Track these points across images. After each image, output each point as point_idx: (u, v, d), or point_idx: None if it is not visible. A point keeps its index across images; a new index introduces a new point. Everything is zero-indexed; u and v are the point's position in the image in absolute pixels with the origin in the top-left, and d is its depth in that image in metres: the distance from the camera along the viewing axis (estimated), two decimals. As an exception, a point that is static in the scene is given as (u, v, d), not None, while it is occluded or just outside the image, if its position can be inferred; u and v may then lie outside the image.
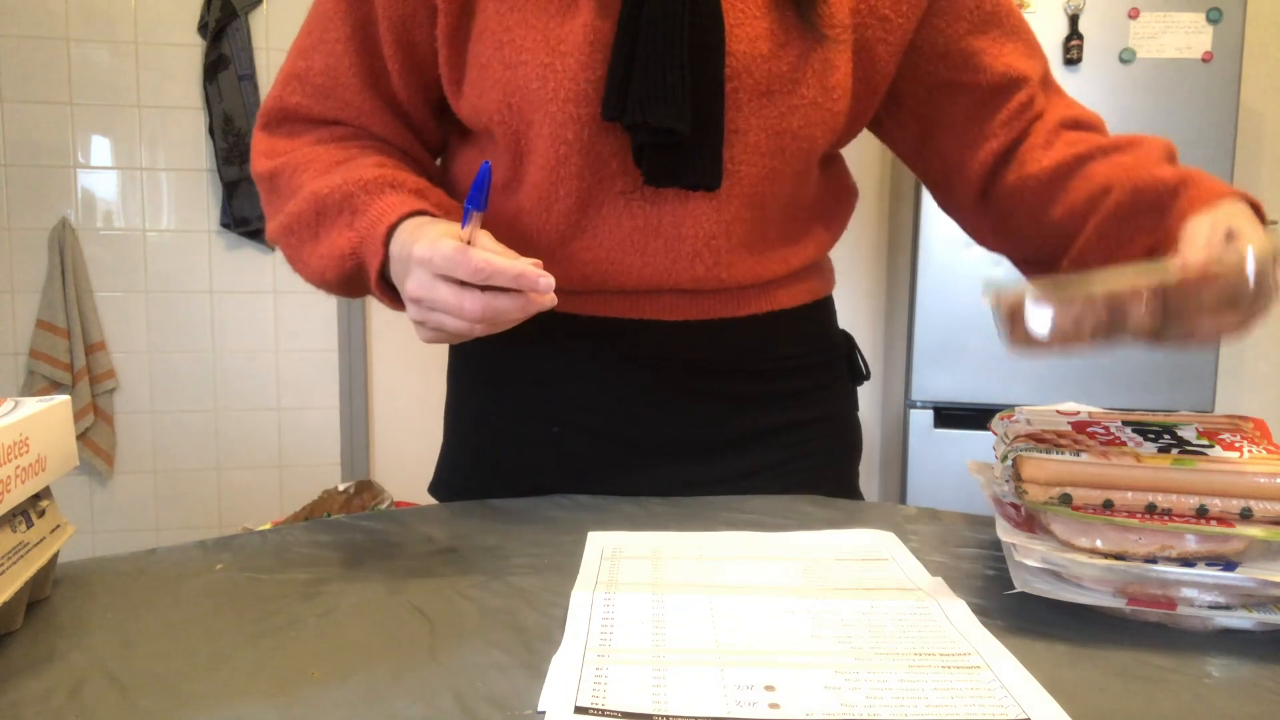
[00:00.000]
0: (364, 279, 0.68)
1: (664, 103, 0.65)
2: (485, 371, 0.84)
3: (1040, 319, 0.50)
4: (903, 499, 2.28)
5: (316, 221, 0.69)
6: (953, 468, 2.25)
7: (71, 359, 2.48)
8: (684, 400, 0.78)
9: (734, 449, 0.79)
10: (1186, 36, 2.12)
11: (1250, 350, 2.66)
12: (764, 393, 0.80)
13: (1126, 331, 0.51)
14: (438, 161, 0.84)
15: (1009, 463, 0.54)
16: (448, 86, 0.74)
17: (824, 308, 0.86)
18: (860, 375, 0.89)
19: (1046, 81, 0.79)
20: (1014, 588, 0.51)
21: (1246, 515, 0.48)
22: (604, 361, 0.77)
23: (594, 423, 0.78)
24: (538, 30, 0.68)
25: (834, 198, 0.84)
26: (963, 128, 0.78)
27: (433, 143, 0.81)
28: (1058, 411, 0.63)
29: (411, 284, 0.58)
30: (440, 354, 2.90)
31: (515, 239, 0.76)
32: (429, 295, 0.56)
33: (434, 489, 0.88)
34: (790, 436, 0.81)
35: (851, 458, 0.88)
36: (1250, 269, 0.49)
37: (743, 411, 0.79)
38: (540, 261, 0.56)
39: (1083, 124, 0.77)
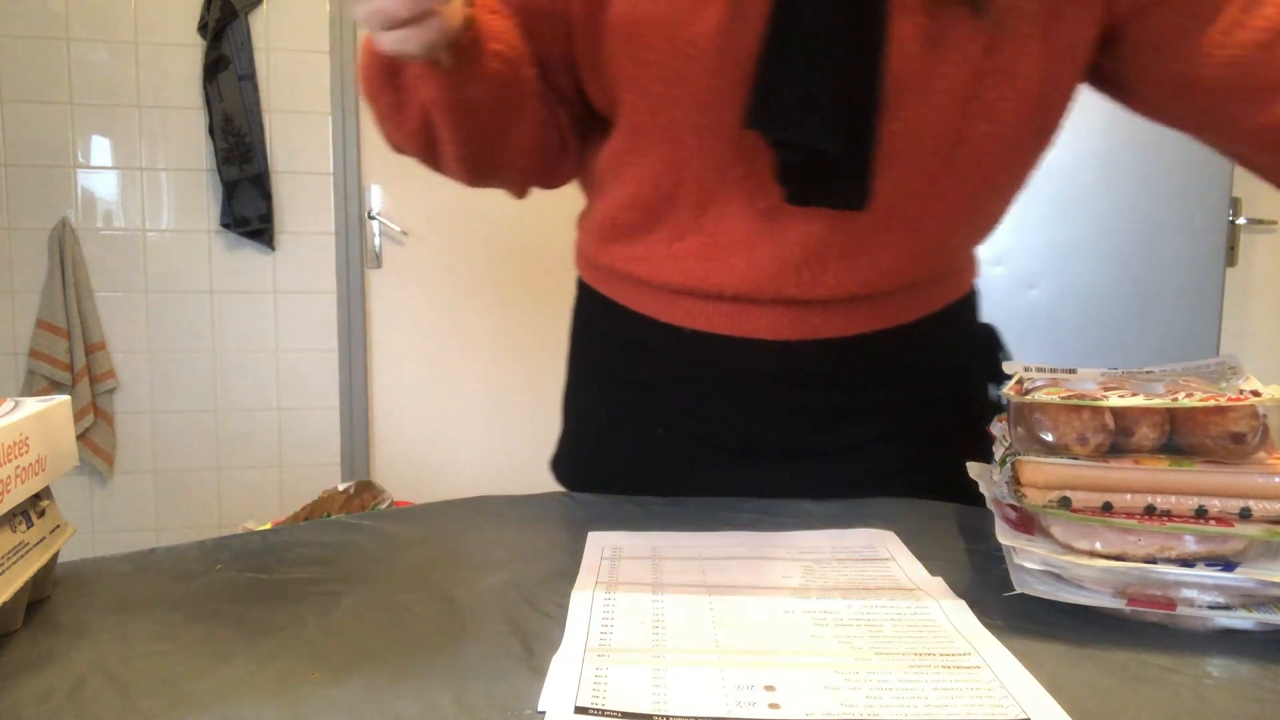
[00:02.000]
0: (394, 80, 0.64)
1: (815, 116, 0.59)
2: (599, 368, 0.84)
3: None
4: (903, 499, 2.28)
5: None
6: (953, 468, 2.24)
7: (71, 359, 2.48)
8: (784, 413, 0.76)
9: (840, 456, 0.76)
10: (1186, 37, 2.11)
11: (1251, 332, 2.66)
12: (874, 403, 0.76)
13: None
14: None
15: (1008, 465, 0.54)
16: (582, 63, 0.70)
17: (955, 313, 0.78)
18: (1001, 376, 0.84)
19: None
20: (1014, 588, 0.51)
21: (1245, 515, 0.48)
22: (704, 373, 0.77)
23: (694, 428, 0.78)
24: (666, 28, 0.64)
25: (996, 216, 0.75)
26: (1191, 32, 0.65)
27: (573, 104, 0.74)
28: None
29: None
30: (438, 354, 2.90)
31: (637, 223, 0.74)
32: None
33: (554, 466, 0.89)
34: (903, 445, 0.76)
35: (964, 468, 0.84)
36: None
37: (848, 422, 0.76)
38: None
39: None
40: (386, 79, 0.65)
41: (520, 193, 0.78)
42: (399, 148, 0.73)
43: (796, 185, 0.64)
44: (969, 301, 0.82)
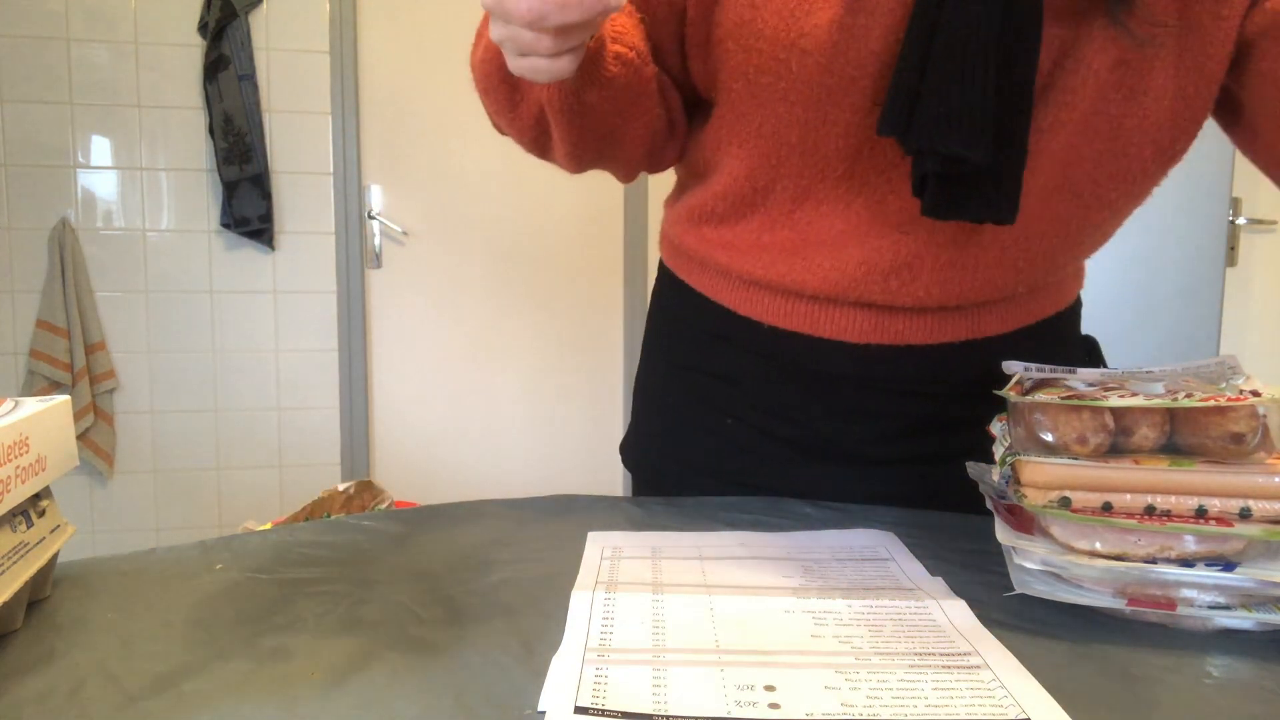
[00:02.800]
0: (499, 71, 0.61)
1: (960, 125, 0.56)
2: (675, 355, 0.84)
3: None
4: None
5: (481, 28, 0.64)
6: (953, 468, 2.24)
7: (71, 359, 2.48)
8: (860, 418, 0.74)
9: (914, 466, 0.75)
10: (1186, 37, 2.11)
11: (1251, 332, 2.66)
12: (956, 418, 0.73)
13: None
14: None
15: (1008, 465, 0.54)
16: (690, 41, 0.67)
17: (1052, 326, 0.75)
18: None
19: None
20: (1014, 588, 0.51)
21: (1245, 515, 0.48)
22: (780, 370, 0.75)
23: (767, 423, 0.77)
24: (780, 17, 0.61)
25: (1108, 233, 0.72)
26: None
27: (680, 81, 0.72)
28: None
29: None
30: (438, 354, 2.89)
31: (727, 212, 0.72)
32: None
33: (624, 449, 0.88)
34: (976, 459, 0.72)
35: None
36: None
37: (927, 434, 0.74)
38: None
39: None
40: (502, 77, 0.63)
41: (627, 179, 0.77)
42: (503, 133, 0.72)
43: (935, 197, 0.59)
44: (1070, 314, 0.78)
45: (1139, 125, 0.63)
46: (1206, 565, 0.48)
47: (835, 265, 0.68)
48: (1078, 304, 0.80)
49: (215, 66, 2.49)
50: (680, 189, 0.81)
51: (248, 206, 2.54)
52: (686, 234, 0.78)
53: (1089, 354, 0.81)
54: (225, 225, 2.56)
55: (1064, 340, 0.78)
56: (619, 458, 0.89)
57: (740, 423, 0.78)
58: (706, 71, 0.68)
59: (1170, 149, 0.65)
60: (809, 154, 0.65)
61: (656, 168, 0.78)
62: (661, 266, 0.86)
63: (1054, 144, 0.62)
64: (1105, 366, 0.76)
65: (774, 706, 0.40)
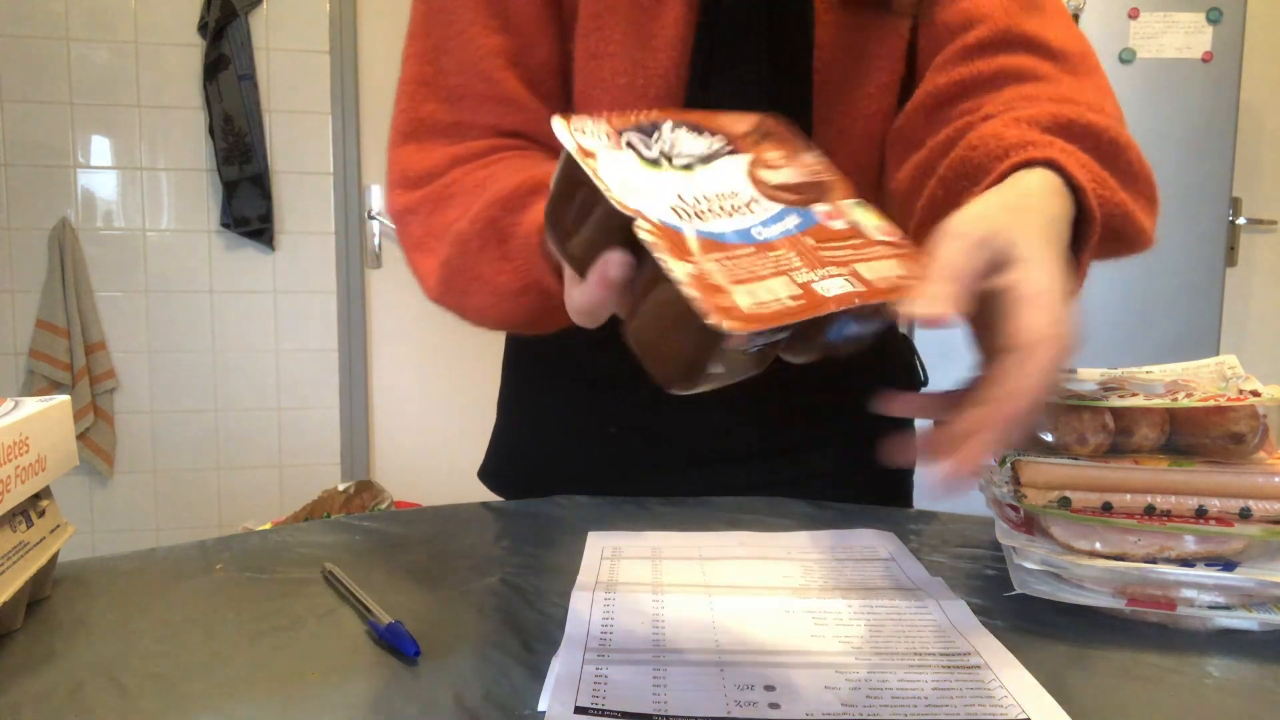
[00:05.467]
0: (553, 307, 0.55)
1: (741, 98, 0.63)
2: (544, 368, 0.83)
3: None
4: (903, 499, 2.28)
5: (463, 263, 0.60)
6: (953, 468, 2.24)
7: (71, 359, 2.48)
8: (740, 408, 0.76)
9: (789, 456, 0.78)
10: (1186, 36, 2.12)
11: (1251, 332, 2.66)
12: (820, 402, 0.78)
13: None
14: None
15: (1008, 465, 0.54)
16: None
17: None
18: (919, 382, 0.87)
19: (1017, 37, 0.65)
20: (1014, 588, 0.51)
21: (1245, 515, 0.48)
22: None
23: (650, 426, 0.78)
24: (627, 21, 0.65)
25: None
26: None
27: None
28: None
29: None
30: (438, 354, 2.89)
31: None
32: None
33: (484, 475, 0.87)
34: (846, 445, 0.79)
35: (906, 468, 0.87)
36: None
37: (799, 419, 0.78)
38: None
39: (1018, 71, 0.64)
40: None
41: None
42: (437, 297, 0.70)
43: None
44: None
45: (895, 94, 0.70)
46: (1206, 565, 0.48)
47: None
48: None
49: (215, 66, 2.49)
50: None
51: (248, 206, 2.54)
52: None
53: (909, 352, 0.87)
54: (225, 225, 2.55)
55: (891, 328, 0.84)
56: None
57: (623, 429, 0.78)
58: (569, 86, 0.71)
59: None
60: None
61: None
62: None
63: (855, 101, 0.68)
64: (924, 365, 0.86)
65: (774, 706, 0.40)
